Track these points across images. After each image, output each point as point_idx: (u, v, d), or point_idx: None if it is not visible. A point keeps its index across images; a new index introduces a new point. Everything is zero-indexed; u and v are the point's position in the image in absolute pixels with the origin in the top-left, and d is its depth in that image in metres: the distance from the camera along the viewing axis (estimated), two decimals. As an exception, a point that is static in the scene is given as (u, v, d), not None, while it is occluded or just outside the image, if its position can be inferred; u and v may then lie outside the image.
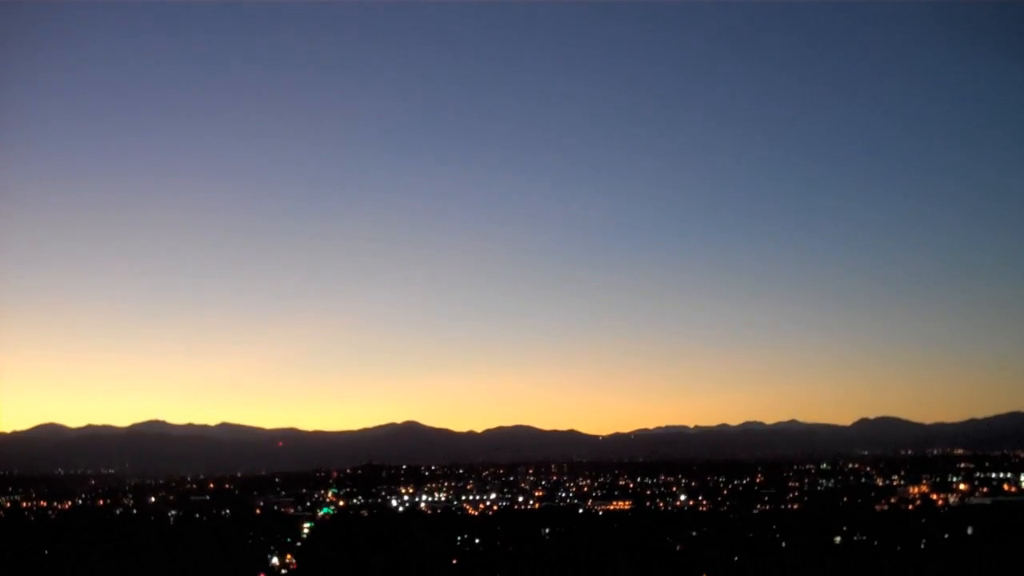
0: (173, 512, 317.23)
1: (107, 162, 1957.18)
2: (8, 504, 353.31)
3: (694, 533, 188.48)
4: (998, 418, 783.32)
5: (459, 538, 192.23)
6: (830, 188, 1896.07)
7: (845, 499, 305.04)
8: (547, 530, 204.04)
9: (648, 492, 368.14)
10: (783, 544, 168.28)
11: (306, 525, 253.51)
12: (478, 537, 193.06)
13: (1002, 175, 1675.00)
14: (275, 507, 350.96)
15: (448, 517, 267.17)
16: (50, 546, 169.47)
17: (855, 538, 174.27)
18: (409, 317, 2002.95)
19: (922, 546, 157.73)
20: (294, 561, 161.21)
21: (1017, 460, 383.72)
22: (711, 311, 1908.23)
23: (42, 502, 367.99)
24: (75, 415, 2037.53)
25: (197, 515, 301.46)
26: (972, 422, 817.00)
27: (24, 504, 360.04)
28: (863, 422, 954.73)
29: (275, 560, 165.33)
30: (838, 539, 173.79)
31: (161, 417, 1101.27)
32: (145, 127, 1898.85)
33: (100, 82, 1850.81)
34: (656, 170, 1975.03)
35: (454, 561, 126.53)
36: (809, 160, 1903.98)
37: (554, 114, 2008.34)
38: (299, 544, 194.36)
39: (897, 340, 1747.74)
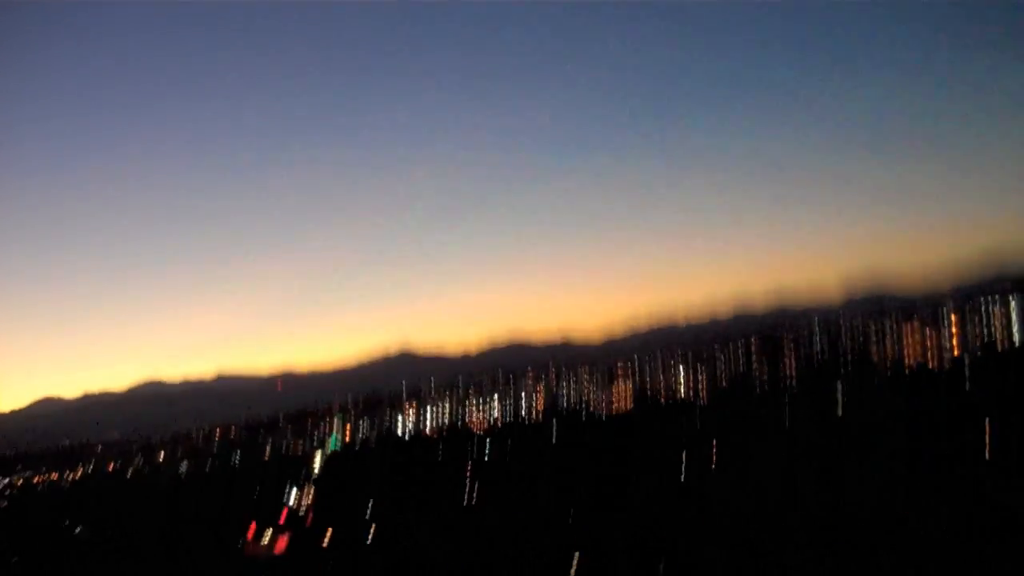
0: (184, 466, 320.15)
1: (80, 132, 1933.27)
2: (20, 482, 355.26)
3: (698, 422, 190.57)
4: (983, 267, 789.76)
5: (468, 455, 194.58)
6: (809, 55, 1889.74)
7: (843, 371, 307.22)
8: (554, 437, 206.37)
9: (648, 387, 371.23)
10: (786, 423, 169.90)
11: (316, 460, 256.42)
12: (487, 452, 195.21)
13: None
14: (283, 448, 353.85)
15: (453, 435, 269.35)
16: (72, 515, 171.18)
17: (858, 407, 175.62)
18: (391, 243, 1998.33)
19: (924, 399, 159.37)
20: (311, 494, 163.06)
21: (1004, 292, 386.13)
22: (696, 204, 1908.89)
23: (53, 474, 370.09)
24: (71, 385, 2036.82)
25: (208, 466, 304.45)
26: (956, 270, 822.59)
27: (36, 480, 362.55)
28: (852, 293, 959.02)
29: (292, 497, 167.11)
30: (839, 406, 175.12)
31: (157, 376, 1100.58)
32: (118, 83, 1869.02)
33: (79, 38, 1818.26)
34: (635, 60, 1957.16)
35: (467, 477, 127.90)
36: (792, 28, 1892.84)
37: (525, 15, 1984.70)
38: (313, 479, 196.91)
39: (879, 213, 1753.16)
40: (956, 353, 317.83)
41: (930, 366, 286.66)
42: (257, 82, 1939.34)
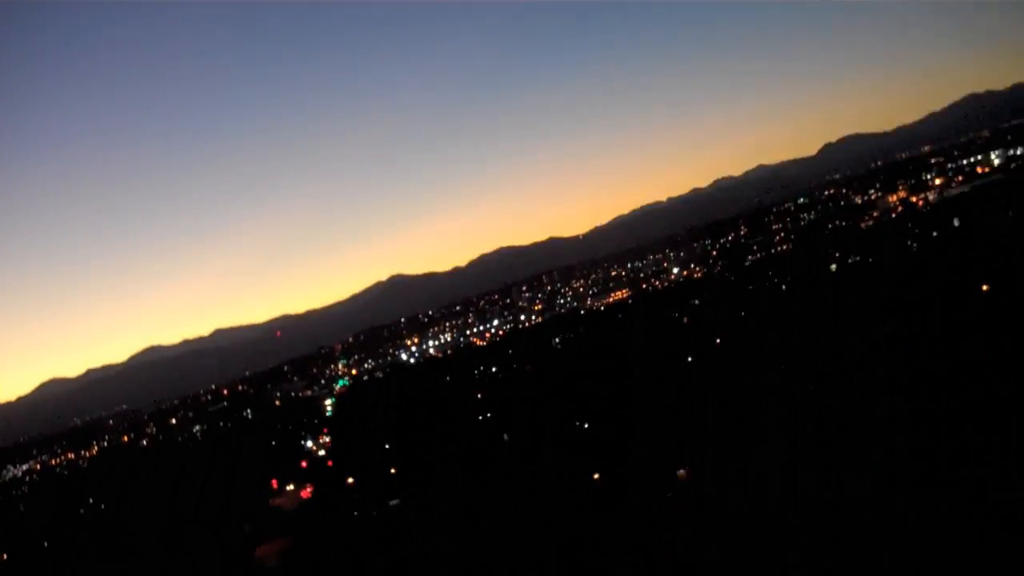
0: (197, 428, 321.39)
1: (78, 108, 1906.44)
2: (38, 467, 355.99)
3: (696, 301, 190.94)
4: (954, 106, 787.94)
5: (476, 372, 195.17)
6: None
7: (830, 226, 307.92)
8: (557, 339, 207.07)
9: (641, 275, 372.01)
10: (782, 287, 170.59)
11: (328, 403, 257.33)
12: (494, 365, 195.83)
13: None
14: (292, 394, 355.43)
15: (460, 355, 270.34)
16: (95, 493, 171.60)
17: (849, 260, 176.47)
18: (370, 178, 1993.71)
19: (913, 248, 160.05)
20: (327, 439, 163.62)
21: (982, 140, 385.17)
22: (667, 79, 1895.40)
23: (69, 455, 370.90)
24: (73, 364, 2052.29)
25: (221, 423, 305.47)
26: (932, 116, 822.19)
27: (53, 462, 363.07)
28: (827, 147, 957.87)
29: (309, 443, 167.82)
30: (833, 267, 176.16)
31: (155, 342, 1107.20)
32: (105, 58, 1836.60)
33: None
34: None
35: (479, 396, 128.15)
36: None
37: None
38: (327, 422, 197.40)
39: (842, 56, 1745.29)
40: (939, 183, 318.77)
41: (919, 205, 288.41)
42: (242, 34, 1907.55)
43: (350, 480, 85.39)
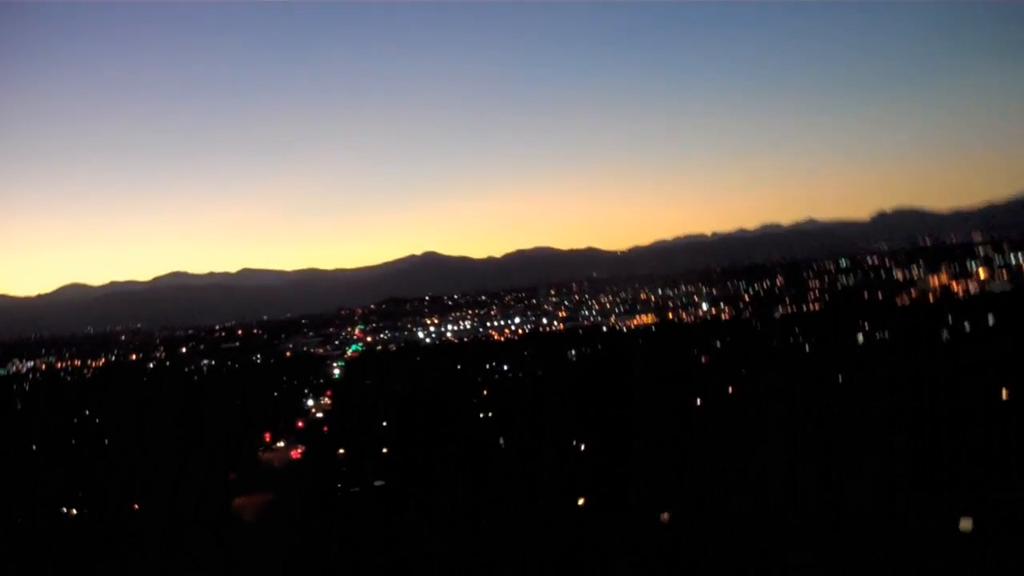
0: (205, 362, 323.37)
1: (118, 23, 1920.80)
2: (43, 366, 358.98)
3: (718, 343, 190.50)
4: (1016, 200, 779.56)
5: (487, 366, 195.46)
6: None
7: (865, 295, 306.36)
8: (573, 351, 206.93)
9: (670, 304, 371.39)
10: (806, 348, 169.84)
11: (336, 365, 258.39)
12: (506, 363, 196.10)
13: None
14: (305, 349, 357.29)
15: (475, 346, 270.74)
16: (93, 406, 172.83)
17: (877, 336, 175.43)
18: (420, 148, 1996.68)
19: (944, 339, 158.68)
20: (328, 401, 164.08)
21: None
22: (722, 117, 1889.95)
23: (75, 361, 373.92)
24: (98, 273, 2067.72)
25: (229, 363, 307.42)
26: (990, 207, 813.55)
27: (59, 364, 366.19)
28: (880, 215, 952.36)
29: (310, 402, 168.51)
30: (860, 337, 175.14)
31: (182, 268, 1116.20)
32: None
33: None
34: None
35: (484, 392, 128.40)
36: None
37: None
38: (332, 385, 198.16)
39: (910, 130, 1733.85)
40: (983, 275, 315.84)
41: (958, 293, 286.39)
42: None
43: (341, 451, 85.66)
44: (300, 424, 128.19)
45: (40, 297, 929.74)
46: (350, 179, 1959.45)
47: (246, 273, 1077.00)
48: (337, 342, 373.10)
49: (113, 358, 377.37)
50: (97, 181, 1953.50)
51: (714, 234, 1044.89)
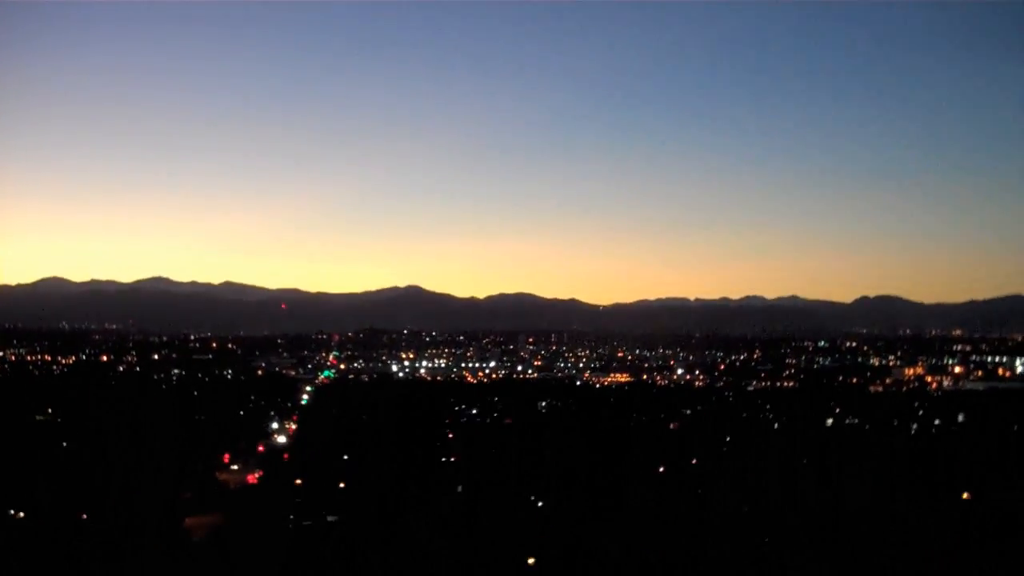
0: (176, 371, 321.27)
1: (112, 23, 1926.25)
2: (13, 358, 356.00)
3: (689, 411, 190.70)
4: (998, 300, 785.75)
5: (456, 408, 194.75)
6: (833, 60, 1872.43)
7: (840, 379, 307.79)
8: (544, 403, 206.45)
9: (646, 365, 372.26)
10: (775, 425, 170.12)
11: (307, 389, 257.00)
12: (475, 408, 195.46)
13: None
14: (277, 369, 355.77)
15: (447, 386, 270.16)
16: (55, 404, 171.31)
17: (846, 421, 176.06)
18: (416, 181, 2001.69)
19: (912, 432, 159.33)
20: (293, 427, 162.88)
21: (1014, 343, 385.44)
22: (717, 185, 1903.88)
23: (46, 356, 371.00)
24: (79, 269, 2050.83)
25: (200, 375, 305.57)
26: (972, 303, 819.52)
27: (29, 358, 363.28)
28: (863, 300, 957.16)
29: (275, 425, 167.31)
30: (830, 421, 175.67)
31: (165, 274, 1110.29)
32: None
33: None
34: (659, 40, 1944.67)
35: (449, 435, 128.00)
36: (814, 35, 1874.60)
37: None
38: (299, 409, 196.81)
39: (901, 219, 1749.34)
40: (958, 372, 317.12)
41: (932, 386, 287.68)
42: (289, 10, 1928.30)
43: (298, 480, 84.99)
44: (260, 448, 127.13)
45: (19, 286, 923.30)
46: (341, 203, 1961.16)
47: (228, 286, 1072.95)
48: (310, 366, 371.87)
49: (84, 357, 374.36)
50: (88, 174, 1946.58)
51: (697, 300, 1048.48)
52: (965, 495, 79.95)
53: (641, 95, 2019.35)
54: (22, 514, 69.19)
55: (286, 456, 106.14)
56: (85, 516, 67.26)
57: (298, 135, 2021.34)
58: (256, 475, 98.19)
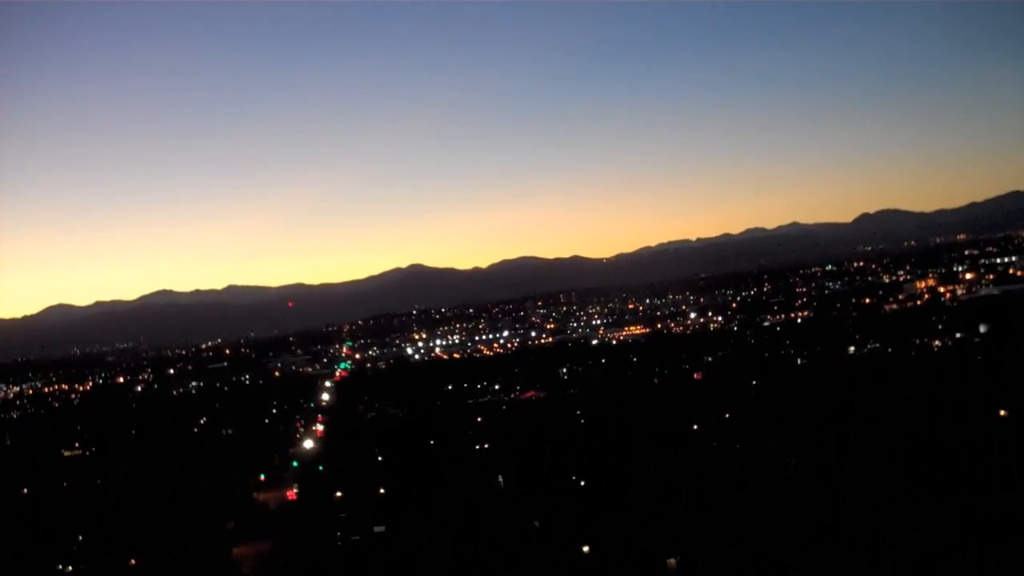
0: (193, 384, 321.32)
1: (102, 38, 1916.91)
2: (31, 392, 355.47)
3: (710, 358, 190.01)
4: (998, 199, 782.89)
5: (479, 386, 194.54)
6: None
7: (853, 301, 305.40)
8: (564, 370, 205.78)
9: (659, 314, 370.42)
10: (798, 361, 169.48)
11: (327, 385, 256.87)
12: (497, 383, 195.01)
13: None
14: (293, 367, 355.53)
15: (465, 364, 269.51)
16: (80, 437, 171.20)
17: (868, 347, 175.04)
18: (405, 161, 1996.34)
19: (935, 350, 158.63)
20: (320, 429, 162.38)
21: (1020, 241, 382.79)
22: (706, 123, 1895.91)
23: (63, 385, 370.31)
24: (83, 293, 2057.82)
25: (218, 384, 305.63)
26: (972, 206, 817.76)
27: (45, 390, 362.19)
28: (864, 217, 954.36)
29: (301, 429, 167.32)
30: (852, 349, 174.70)
31: (168, 286, 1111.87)
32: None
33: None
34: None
35: (479, 420, 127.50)
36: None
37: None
38: (322, 410, 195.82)
39: (891, 130, 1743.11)
40: (969, 278, 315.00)
41: (946, 297, 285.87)
42: (280, 7, 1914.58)
43: (338, 493, 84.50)
44: (293, 458, 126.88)
45: (25, 319, 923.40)
46: (333, 193, 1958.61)
47: (232, 290, 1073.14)
48: (326, 360, 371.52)
49: (100, 381, 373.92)
50: (82, 199, 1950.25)
51: (699, 239, 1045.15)
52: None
53: (625, 40, 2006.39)
54: (70, 568, 68.84)
55: (321, 468, 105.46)
56: (134, 562, 66.85)
57: (285, 133, 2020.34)
58: (294, 491, 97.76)
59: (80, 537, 74.96)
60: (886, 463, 62.53)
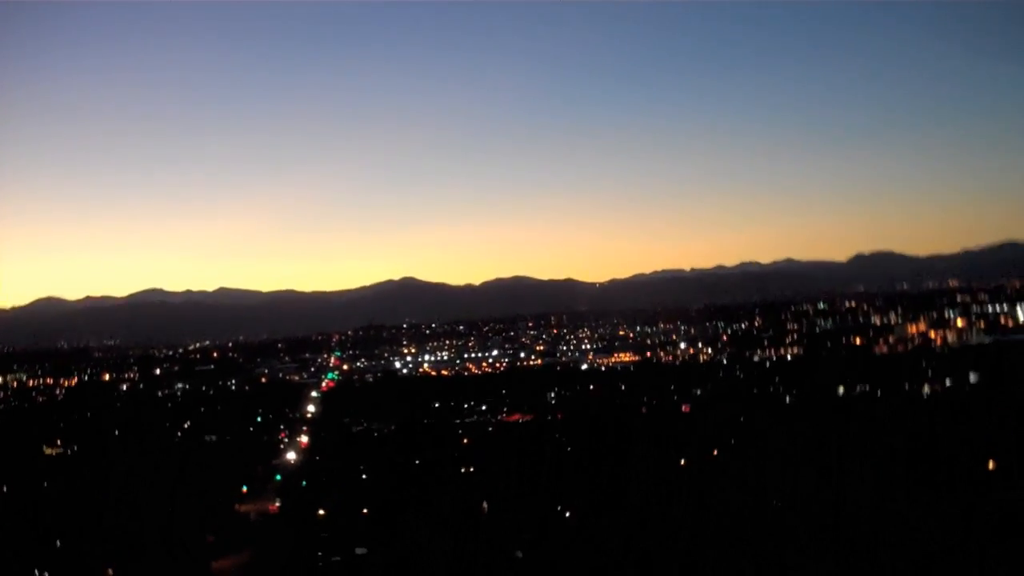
0: (180, 385, 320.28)
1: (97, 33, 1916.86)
2: (15, 383, 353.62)
3: (699, 391, 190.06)
4: (991, 248, 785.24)
5: (466, 406, 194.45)
6: (824, 21, 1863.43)
7: (844, 340, 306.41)
8: (551, 394, 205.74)
9: (649, 342, 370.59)
10: (787, 399, 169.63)
11: (312, 395, 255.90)
12: (484, 403, 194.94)
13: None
14: (280, 375, 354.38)
15: (452, 381, 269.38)
16: (63, 434, 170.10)
17: (857, 389, 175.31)
18: (402, 172, 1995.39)
19: (925, 396, 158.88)
20: (304, 440, 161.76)
21: (1013, 291, 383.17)
22: (705, 152, 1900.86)
23: (48, 379, 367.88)
24: (74, 287, 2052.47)
25: (204, 387, 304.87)
26: (966, 253, 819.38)
27: (30, 383, 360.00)
28: (859, 258, 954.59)
29: (285, 439, 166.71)
30: (841, 389, 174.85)
31: (159, 285, 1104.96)
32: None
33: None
34: (651, 10, 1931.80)
35: (465, 441, 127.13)
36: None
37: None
38: (308, 422, 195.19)
39: (890, 173, 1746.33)
40: (960, 325, 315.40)
41: (936, 343, 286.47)
42: (273, 7, 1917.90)
43: (320, 512, 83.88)
44: (276, 470, 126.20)
45: (14, 309, 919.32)
46: (330, 200, 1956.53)
47: (223, 292, 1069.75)
48: (313, 368, 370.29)
49: (86, 377, 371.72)
50: (77, 194, 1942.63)
51: (693, 269, 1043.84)
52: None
53: (623, 69, 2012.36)
54: (46, 574, 68.04)
55: (304, 483, 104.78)
56: (111, 572, 66.12)
57: (283, 137, 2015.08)
58: (276, 504, 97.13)
59: (57, 543, 74.02)
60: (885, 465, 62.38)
